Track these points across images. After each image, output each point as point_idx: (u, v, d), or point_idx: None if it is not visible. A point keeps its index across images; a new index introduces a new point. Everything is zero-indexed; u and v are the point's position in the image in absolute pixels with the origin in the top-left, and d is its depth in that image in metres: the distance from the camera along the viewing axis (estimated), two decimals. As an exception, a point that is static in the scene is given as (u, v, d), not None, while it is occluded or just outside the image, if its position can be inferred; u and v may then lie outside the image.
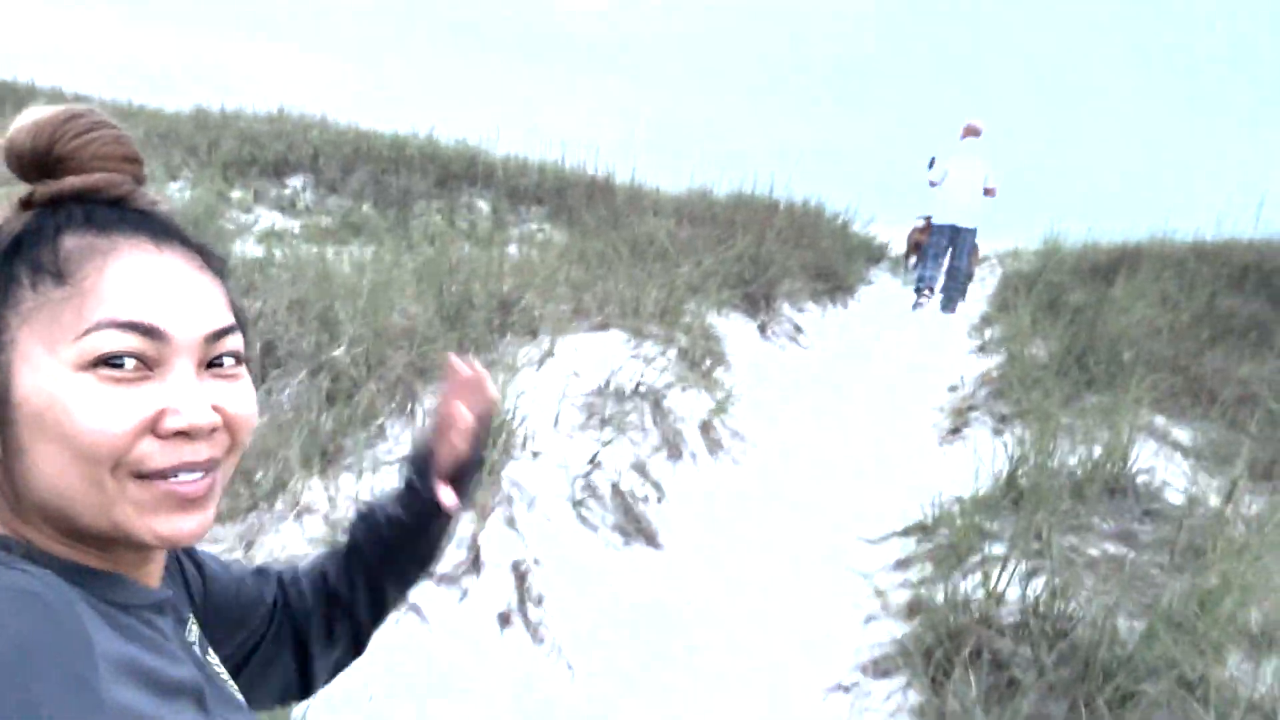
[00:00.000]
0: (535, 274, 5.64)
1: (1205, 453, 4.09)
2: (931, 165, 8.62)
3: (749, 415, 4.88)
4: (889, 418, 5.29)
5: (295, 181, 9.58)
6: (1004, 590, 2.78)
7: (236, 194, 8.82)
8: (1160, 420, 4.44)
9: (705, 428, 4.43)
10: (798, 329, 7.01)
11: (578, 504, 3.30)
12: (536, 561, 2.88)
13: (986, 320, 7.69)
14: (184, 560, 0.75)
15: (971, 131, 8.56)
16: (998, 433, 4.84)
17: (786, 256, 7.94)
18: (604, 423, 3.93)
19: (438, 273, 4.59)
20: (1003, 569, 2.86)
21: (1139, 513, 3.40)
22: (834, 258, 8.92)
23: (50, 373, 0.55)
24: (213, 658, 0.70)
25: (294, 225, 8.44)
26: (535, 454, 3.46)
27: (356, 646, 0.90)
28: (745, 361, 5.67)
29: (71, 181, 0.60)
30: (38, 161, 0.60)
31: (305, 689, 0.86)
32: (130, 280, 0.57)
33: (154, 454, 0.56)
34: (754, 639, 2.88)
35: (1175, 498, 3.59)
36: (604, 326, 5.06)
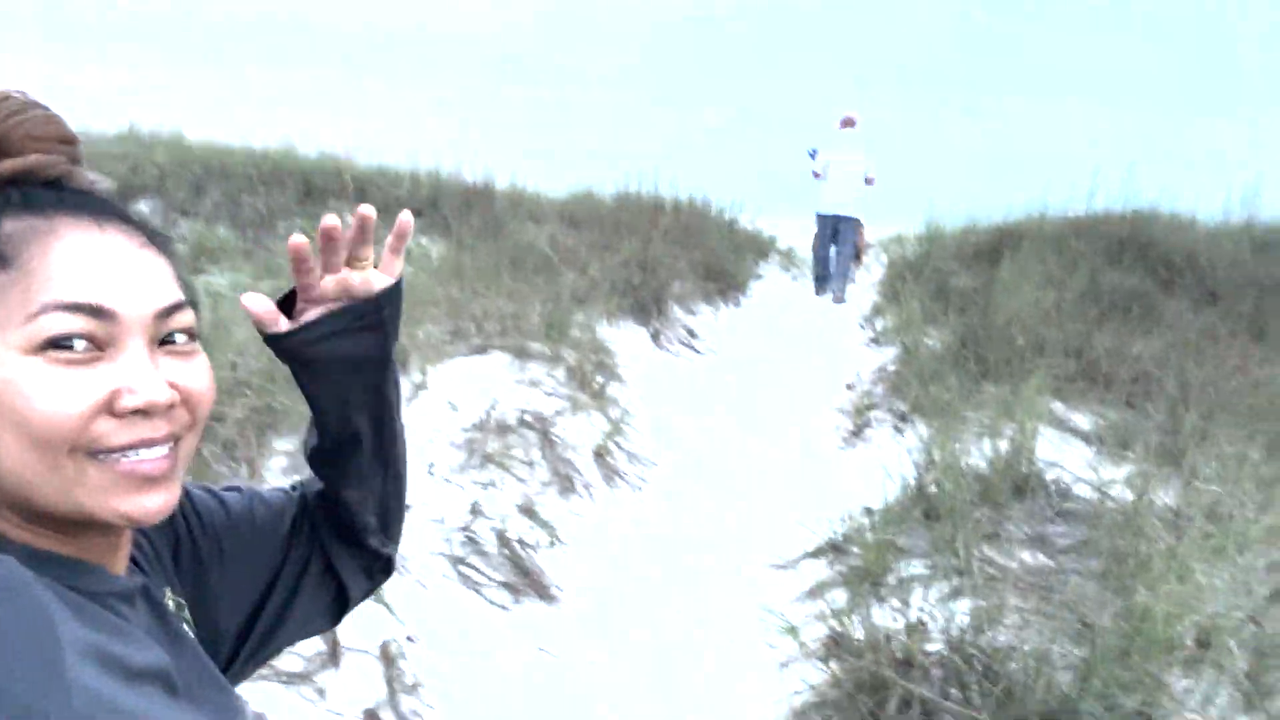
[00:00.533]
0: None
1: (1107, 438, 4.02)
2: (814, 156, 8.59)
3: (646, 434, 4.59)
4: (789, 422, 5.10)
5: (142, 207, 8.80)
6: (926, 619, 2.57)
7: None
8: (1059, 406, 4.37)
9: (600, 454, 4.12)
10: (691, 334, 6.78)
11: (458, 562, 2.94)
12: (410, 639, 2.52)
13: (877, 310, 7.64)
14: (178, 514, 0.71)
15: (848, 123, 8.59)
16: (899, 430, 4.70)
17: (675, 258, 7.71)
18: (486, 461, 3.58)
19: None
20: (925, 595, 2.66)
21: (1051, 514, 3.27)
22: (723, 255, 8.76)
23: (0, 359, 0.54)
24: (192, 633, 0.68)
25: (141, 255, 7.73)
26: (406, 507, 3.08)
27: (377, 539, 0.85)
28: (639, 374, 5.39)
29: (6, 165, 0.58)
30: None
31: (342, 604, 0.84)
32: (74, 261, 0.56)
33: (111, 432, 0.55)
34: (662, 700, 2.59)
35: (1084, 490, 3.49)
36: (484, 349, 4.69)
